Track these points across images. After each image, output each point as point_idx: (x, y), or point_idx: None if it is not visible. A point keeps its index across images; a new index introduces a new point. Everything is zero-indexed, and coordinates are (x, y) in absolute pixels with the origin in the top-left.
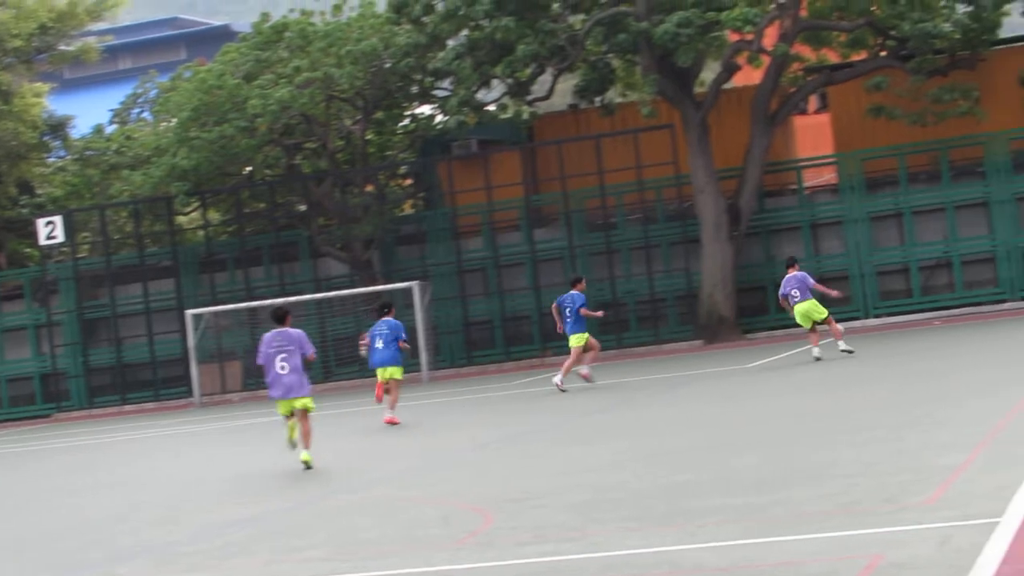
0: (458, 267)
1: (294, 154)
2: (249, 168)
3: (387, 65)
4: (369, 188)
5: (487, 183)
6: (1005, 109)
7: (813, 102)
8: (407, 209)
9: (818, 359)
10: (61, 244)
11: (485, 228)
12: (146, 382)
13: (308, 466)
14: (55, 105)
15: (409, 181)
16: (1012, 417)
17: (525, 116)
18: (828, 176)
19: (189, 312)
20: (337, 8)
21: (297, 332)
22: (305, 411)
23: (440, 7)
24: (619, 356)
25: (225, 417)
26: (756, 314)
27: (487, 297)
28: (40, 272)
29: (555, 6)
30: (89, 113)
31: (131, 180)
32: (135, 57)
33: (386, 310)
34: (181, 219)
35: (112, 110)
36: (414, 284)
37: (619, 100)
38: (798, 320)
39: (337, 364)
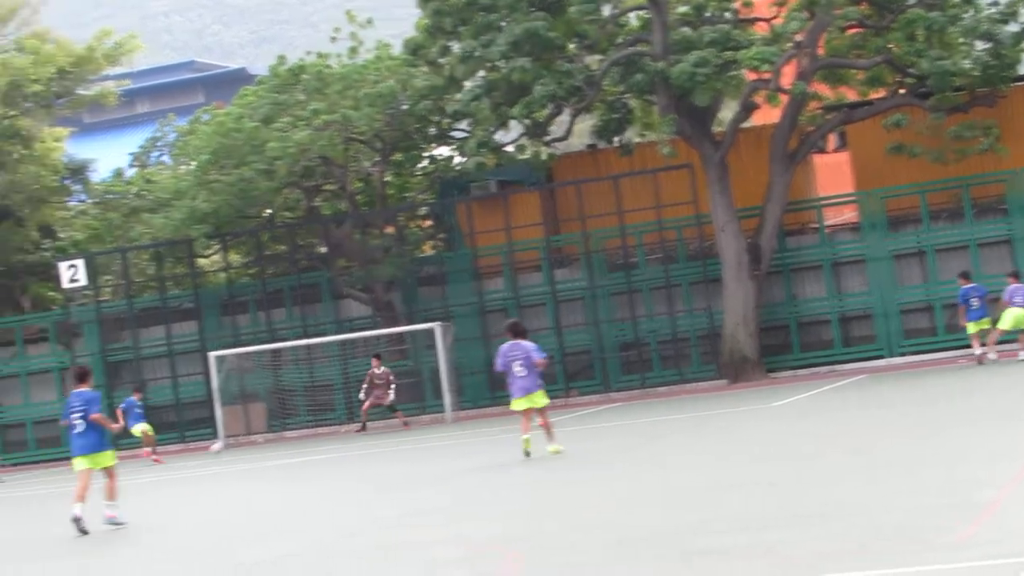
0: (479, 308)
1: (313, 196)
2: (269, 210)
3: (404, 107)
4: (389, 229)
5: (507, 224)
6: None
7: (832, 140)
8: (427, 250)
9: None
10: (83, 287)
11: (506, 269)
12: (170, 424)
13: (557, 453)
14: (75, 149)
15: (429, 222)
16: None
17: (543, 157)
18: (849, 214)
19: (212, 354)
20: (353, 51)
21: (529, 343)
22: (542, 409)
23: (456, 49)
24: (642, 396)
25: (251, 459)
26: (779, 353)
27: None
28: (63, 315)
29: (571, 47)
30: (108, 157)
31: (151, 223)
32: (153, 101)
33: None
34: (202, 261)
35: (131, 154)
36: (436, 325)
37: (637, 140)
38: (1009, 324)
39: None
